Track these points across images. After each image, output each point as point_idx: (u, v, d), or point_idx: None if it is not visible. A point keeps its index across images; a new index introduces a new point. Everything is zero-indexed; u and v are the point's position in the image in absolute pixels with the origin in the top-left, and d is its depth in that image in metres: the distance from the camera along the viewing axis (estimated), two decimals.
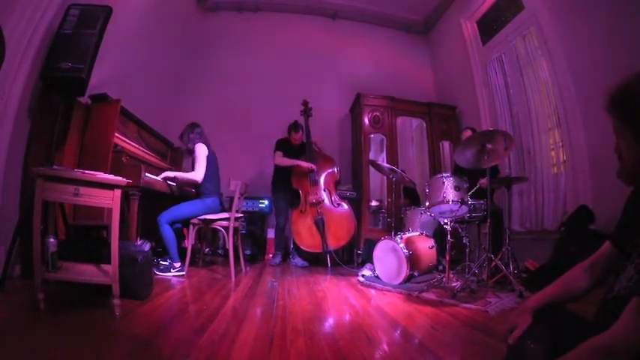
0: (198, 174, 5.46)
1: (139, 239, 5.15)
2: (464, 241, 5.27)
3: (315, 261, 7.39)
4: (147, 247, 5.34)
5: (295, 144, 7.46)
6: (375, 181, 8.41)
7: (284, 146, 7.36)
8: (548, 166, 6.65)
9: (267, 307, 3.67)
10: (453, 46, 9.40)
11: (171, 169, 6.10)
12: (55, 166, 3.42)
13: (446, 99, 9.53)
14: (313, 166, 7.13)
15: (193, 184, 5.66)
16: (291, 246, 7.59)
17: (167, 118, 7.76)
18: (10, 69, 3.79)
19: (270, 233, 8.17)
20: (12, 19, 3.86)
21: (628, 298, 1.15)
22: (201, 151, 5.54)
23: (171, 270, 5.13)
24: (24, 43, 4.02)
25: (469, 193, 4.91)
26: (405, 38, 10.71)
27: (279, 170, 7.38)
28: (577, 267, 1.61)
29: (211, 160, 5.68)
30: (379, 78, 9.80)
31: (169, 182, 5.60)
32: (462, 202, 4.71)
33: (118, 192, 3.08)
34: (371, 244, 6.05)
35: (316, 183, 7.18)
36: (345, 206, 7.21)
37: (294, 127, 7.43)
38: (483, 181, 5.22)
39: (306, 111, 7.60)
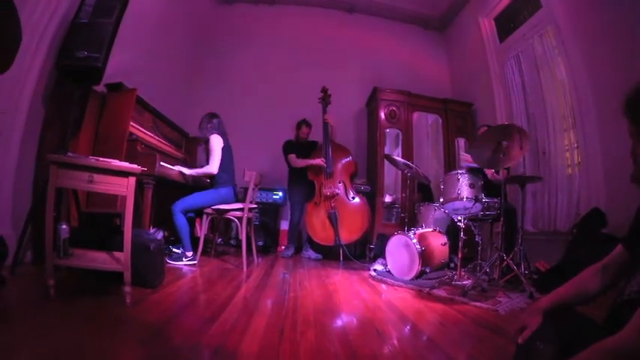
0: (213, 167, 5.49)
1: (152, 227, 5.18)
2: (476, 239, 5.25)
3: (328, 254, 7.38)
4: (160, 235, 5.37)
5: (303, 141, 7.53)
6: (390, 176, 8.38)
7: (293, 148, 7.41)
8: (562, 167, 6.58)
9: (278, 298, 3.69)
10: (470, 43, 9.33)
11: (186, 160, 6.14)
12: (69, 154, 3.44)
13: (462, 96, 9.47)
14: (322, 162, 7.11)
15: (209, 175, 5.68)
16: (305, 238, 7.61)
17: (183, 108, 7.82)
18: (25, 57, 3.82)
19: (284, 225, 8.21)
20: (28, 7, 3.88)
21: (639, 303, 1.14)
22: (216, 142, 5.55)
23: (184, 259, 5.17)
24: (39, 32, 4.06)
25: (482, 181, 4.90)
26: (421, 34, 10.64)
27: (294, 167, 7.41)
28: (589, 269, 1.60)
29: (226, 151, 5.69)
30: (395, 72, 9.74)
31: (189, 177, 5.62)
32: (476, 199, 4.68)
33: (132, 180, 3.09)
34: (384, 239, 6.04)
35: (332, 175, 7.17)
36: (360, 200, 7.19)
37: (305, 122, 7.54)
38: (489, 172, 5.18)
39: (325, 98, 7.56)
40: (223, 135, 5.73)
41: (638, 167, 1.36)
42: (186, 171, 5.57)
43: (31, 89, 3.99)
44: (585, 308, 1.55)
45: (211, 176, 5.70)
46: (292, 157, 7.29)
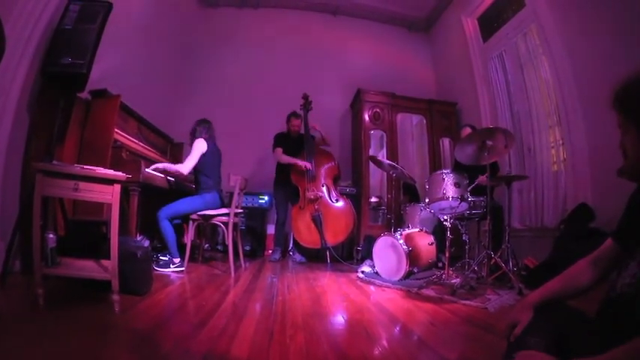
0: (185, 166, 5.42)
1: (138, 235, 5.16)
2: (463, 238, 5.28)
3: (315, 257, 7.41)
4: (146, 242, 5.34)
5: (294, 135, 7.51)
6: (375, 177, 8.42)
7: (283, 141, 7.40)
8: (548, 164, 6.64)
9: (266, 302, 3.68)
10: (454, 43, 9.39)
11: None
12: (54, 162, 3.42)
13: (446, 96, 9.53)
14: (309, 166, 7.12)
15: (181, 176, 5.66)
16: (291, 242, 7.61)
17: (167, 114, 7.77)
18: (10, 64, 3.79)
19: (270, 229, 8.16)
20: (13, 15, 3.85)
21: (631, 296, 1.15)
22: (198, 146, 5.51)
23: (171, 266, 5.14)
24: (24, 39, 4.02)
25: (468, 189, 4.91)
26: (406, 35, 10.70)
27: (280, 165, 7.42)
28: (579, 263, 1.61)
29: (213, 156, 5.68)
30: (380, 74, 9.76)
31: (169, 178, 5.62)
32: (462, 198, 4.70)
33: (117, 187, 3.08)
34: (370, 241, 6.07)
35: (314, 179, 7.18)
36: (344, 202, 7.20)
37: (294, 114, 7.52)
38: (482, 178, 5.22)
39: (306, 105, 7.58)
40: (210, 140, 5.70)
41: (628, 159, 1.38)
42: (160, 165, 5.52)
43: (16, 97, 3.96)
44: (576, 302, 1.57)
45: (196, 182, 5.69)
46: (278, 151, 7.30)
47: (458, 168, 5.42)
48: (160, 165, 5.51)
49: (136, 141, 5.88)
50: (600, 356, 1.06)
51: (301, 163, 7.10)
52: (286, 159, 7.20)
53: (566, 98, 5.95)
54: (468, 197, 4.78)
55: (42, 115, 4.23)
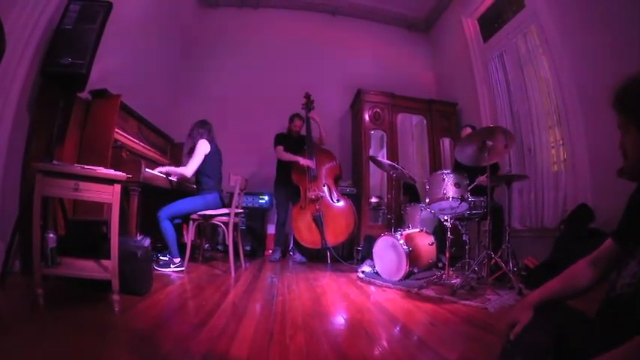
0: (188, 169, 5.45)
1: (138, 234, 5.15)
2: (464, 238, 5.27)
3: (315, 257, 7.41)
4: (146, 242, 5.34)
5: (294, 135, 7.52)
6: (375, 177, 8.41)
7: (283, 141, 7.38)
8: (548, 164, 6.64)
9: (266, 302, 3.68)
10: (454, 43, 9.38)
11: (170, 165, 6.08)
12: (54, 162, 3.42)
13: (446, 96, 9.51)
14: (310, 164, 7.12)
15: (184, 178, 5.70)
16: (291, 242, 7.61)
17: (167, 114, 7.78)
18: (10, 64, 3.78)
19: (270, 229, 8.17)
20: (13, 15, 3.84)
21: (631, 296, 1.15)
22: (201, 147, 5.51)
23: (171, 265, 5.13)
24: (24, 39, 4.01)
25: (468, 190, 4.90)
26: (406, 35, 10.68)
27: (281, 165, 7.42)
28: (579, 263, 1.61)
29: (214, 156, 5.68)
30: (380, 74, 9.75)
31: (170, 178, 5.61)
32: (462, 199, 4.70)
33: (117, 187, 3.07)
34: (371, 241, 6.05)
35: (316, 179, 7.16)
36: (345, 203, 7.18)
37: (297, 115, 7.53)
38: (482, 179, 5.22)
39: (308, 104, 7.54)
40: (212, 141, 5.70)
41: (628, 159, 1.38)
42: (164, 169, 5.55)
43: (16, 97, 3.95)
44: (576, 302, 1.57)
45: (197, 182, 5.70)
46: (280, 148, 7.28)
47: (458, 168, 5.42)
48: (163, 168, 5.53)
49: (136, 141, 5.88)
50: (599, 357, 1.07)
51: (303, 161, 7.10)
52: (288, 156, 7.18)
53: (566, 98, 5.95)
54: (468, 197, 4.78)
55: (42, 115, 4.22)
